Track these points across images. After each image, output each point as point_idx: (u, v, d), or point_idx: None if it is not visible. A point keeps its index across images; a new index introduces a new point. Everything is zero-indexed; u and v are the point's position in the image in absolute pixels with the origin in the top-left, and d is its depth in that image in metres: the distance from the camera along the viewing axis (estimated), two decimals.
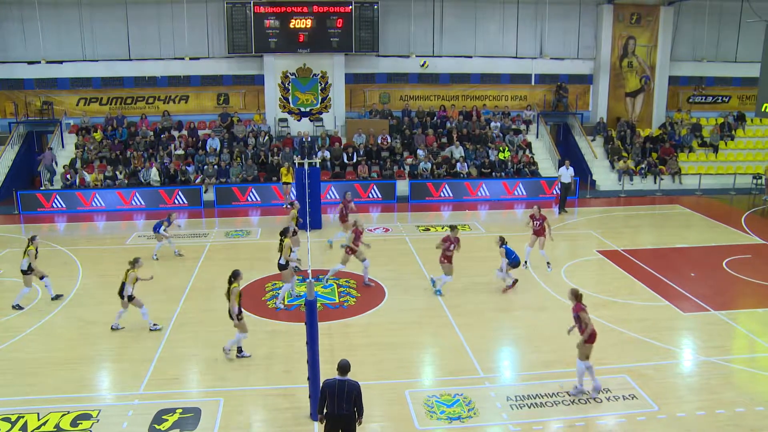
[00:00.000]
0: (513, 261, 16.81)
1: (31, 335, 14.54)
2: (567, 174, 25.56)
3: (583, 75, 33.49)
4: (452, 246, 16.49)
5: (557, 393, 11.89)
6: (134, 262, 14.90)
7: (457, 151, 29.48)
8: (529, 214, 18.80)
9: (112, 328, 14.86)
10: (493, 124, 31.53)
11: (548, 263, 18.58)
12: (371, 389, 12.10)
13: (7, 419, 11.33)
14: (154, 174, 27.57)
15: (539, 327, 14.92)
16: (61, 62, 30.82)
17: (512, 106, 33.14)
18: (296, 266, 17.98)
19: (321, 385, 9.66)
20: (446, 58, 32.26)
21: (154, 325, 14.88)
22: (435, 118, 31.75)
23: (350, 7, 29.95)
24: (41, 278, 16.67)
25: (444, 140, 30.62)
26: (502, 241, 16.79)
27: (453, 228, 16.94)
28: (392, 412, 11.42)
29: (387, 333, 14.62)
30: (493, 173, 28.82)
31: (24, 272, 16.27)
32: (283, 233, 16.86)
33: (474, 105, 32.51)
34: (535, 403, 11.61)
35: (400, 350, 13.76)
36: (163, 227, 19.99)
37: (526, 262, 18.60)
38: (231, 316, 13.27)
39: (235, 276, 13.31)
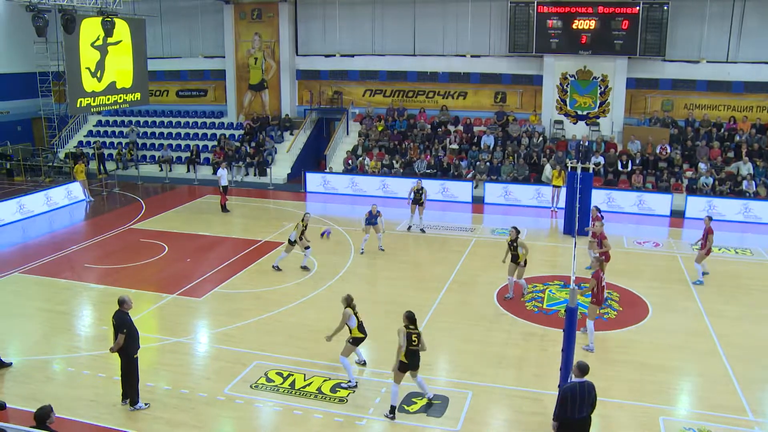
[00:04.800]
0: None
1: (302, 304, 15.97)
2: None
3: None
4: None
5: None
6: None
7: (745, 168, 26.92)
8: None
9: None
10: None
11: None
12: (623, 408, 11.66)
13: (279, 374, 12.79)
14: (424, 166, 28.78)
15: None
16: (352, 56, 33.38)
17: None
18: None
19: (562, 390, 9.55)
20: (741, 65, 29.33)
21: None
22: (722, 130, 29.24)
23: (638, 8, 28.56)
24: (305, 248, 18.58)
25: (730, 155, 28.08)
26: None
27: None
28: None
29: (647, 352, 13.88)
30: None
31: (290, 242, 18.47)
32: None
33: None
34: None
35: (659, 373, 12.99)
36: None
37: None
38: None
39: None
